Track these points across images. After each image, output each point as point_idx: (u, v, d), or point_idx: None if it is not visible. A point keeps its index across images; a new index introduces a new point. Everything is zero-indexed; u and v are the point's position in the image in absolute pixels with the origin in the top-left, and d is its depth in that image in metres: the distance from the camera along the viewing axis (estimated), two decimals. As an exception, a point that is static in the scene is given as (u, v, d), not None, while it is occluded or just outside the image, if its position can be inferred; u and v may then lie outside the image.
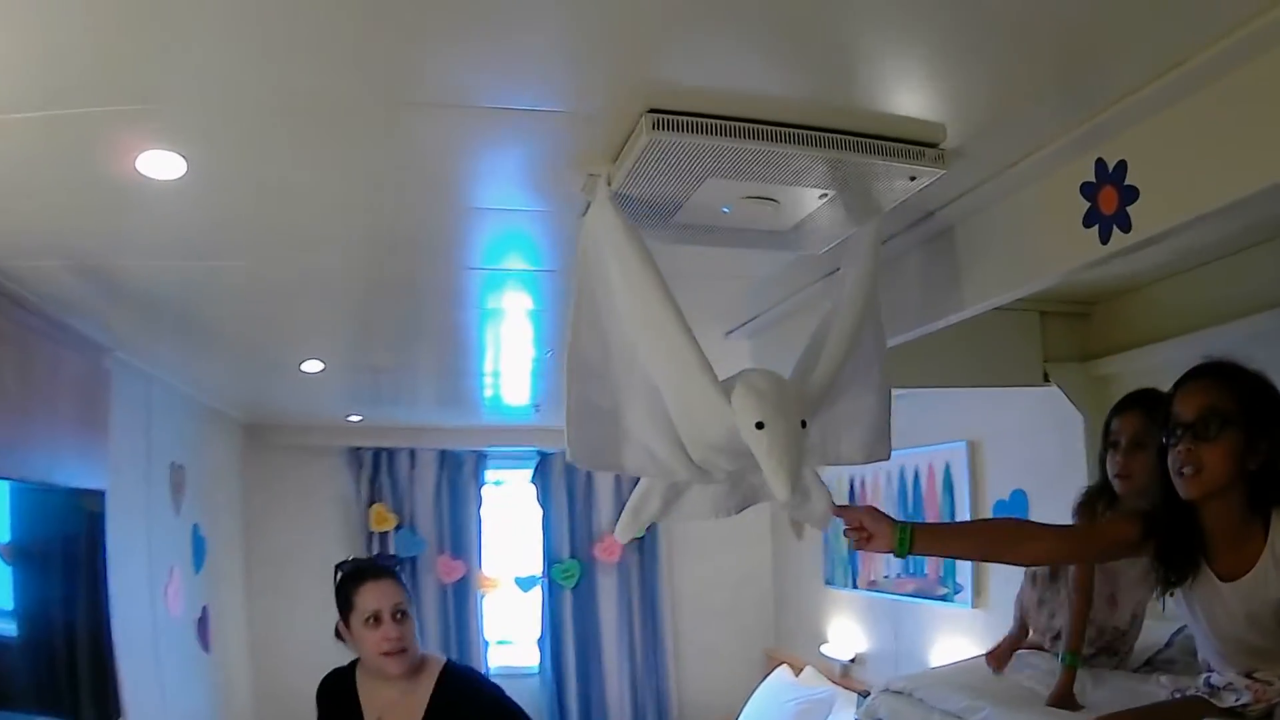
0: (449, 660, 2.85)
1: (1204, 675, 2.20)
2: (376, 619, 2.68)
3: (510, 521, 7.82)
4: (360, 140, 2.21)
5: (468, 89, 1.96)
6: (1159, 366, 3.24)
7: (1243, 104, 1.78)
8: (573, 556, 7.62)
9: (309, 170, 2.37)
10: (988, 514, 4.74)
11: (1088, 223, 2.12)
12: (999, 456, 4.67)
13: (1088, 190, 2.12)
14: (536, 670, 7.57)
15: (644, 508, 2.50)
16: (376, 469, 7.31)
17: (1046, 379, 3.80)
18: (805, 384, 2.28)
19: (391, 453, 7.35)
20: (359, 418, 6.84)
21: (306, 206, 2.64)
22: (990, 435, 4.70)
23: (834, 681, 6.21)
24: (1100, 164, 2.08)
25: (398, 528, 7.30)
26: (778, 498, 2.06)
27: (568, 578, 7.58)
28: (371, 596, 2.69)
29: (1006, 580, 4.54)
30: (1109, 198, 2.06)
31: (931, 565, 5.21)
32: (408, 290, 3.55)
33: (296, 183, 2.45)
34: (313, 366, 4.84)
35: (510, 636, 7.76)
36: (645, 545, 7.67)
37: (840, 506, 2.35)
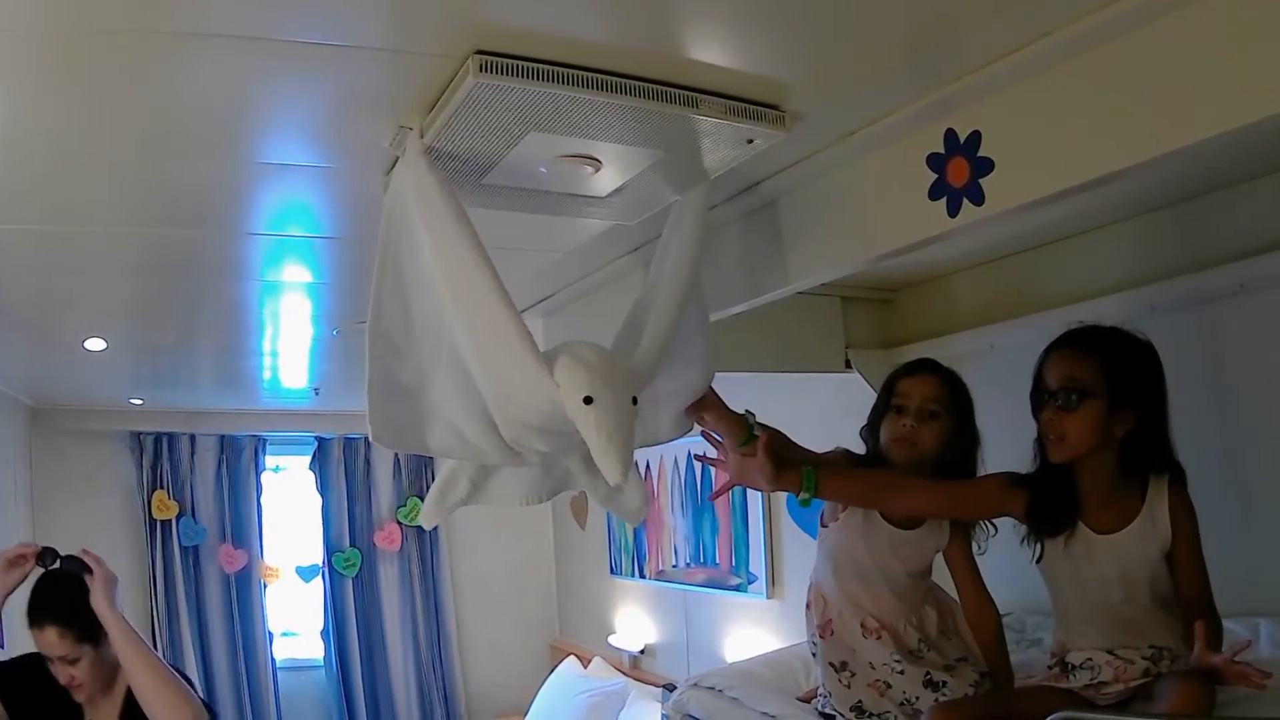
0: None
1: (1056, 658, 2.21)
2: (51, 661, 2.67)
3: (291, 509, 7.54)
4: (136, 80, 1.87)
5: (263, 17, 1.66)
6: (959, 356, 3.25)
7: (1109, 79, 1.69)
8: (353, 545, 7.39)
9: (85, 117, 2.03)
10: (782, 505, 4.68)
11: (934, 195, 1.99)
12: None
13: (935, 162, 1.99)
14: (321, 663, 7.31)
15: (450, 491, 2.29)
16: (157, 454, 6.95)
17: (849, 365, 3.73)
18: (631, 359, 2.09)
19: (172, 438, 6.99)
20: (141, 401, 6.48)
21: (82, 160, 2.28)
22: (787, 422, 4.57)
23: (624, 673, 6.12)
24: (950, 135, 1.96)
25: (179, 516, 6.94)
26: (609, 480, 1.86)
27: (349, 567, 7.35)
28: (42, 642, 2.67)
29: (804, 570, 4.49)
30: (959, 169, 1.93)
31: (723, 554, 5.13)
32: (185, 259, 3.20)
33: (70, 132, 2.10)
34: (96, 345, 4.46)
35: (295, 628, 7.49)
36: (425, 533, 7.48)
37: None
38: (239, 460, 7.20)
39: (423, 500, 7.03)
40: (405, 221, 2.00)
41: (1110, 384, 2.03)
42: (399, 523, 7.43)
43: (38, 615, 2.70)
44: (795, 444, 2.50)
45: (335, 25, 1.69)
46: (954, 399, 2.39)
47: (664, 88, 1.88)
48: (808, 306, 3.67)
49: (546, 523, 7.65)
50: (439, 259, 1.93)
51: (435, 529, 7.43)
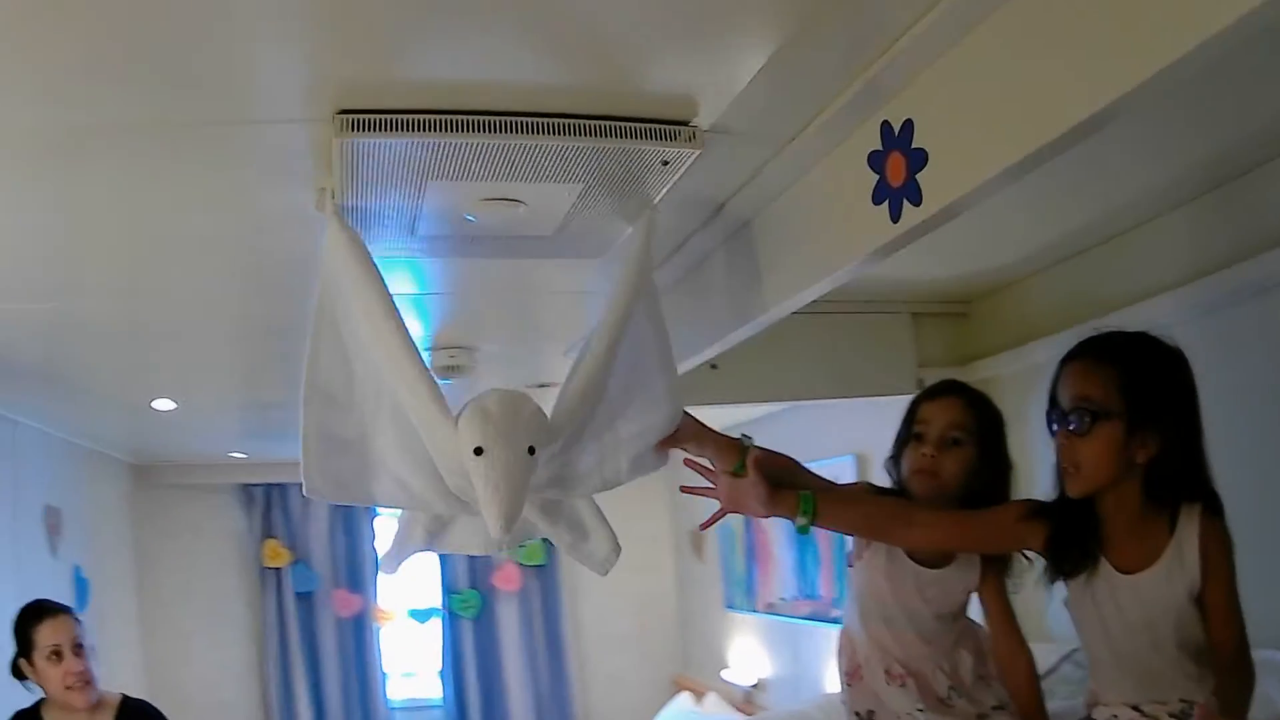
0: (124, 695, 3.09)
1: (1087, 710, 1.98)
2: (58, 654, 2.86)
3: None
4: (203, 164, 2.03)
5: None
6: (1042, 366, 2.97)
7: (1029, 35, 1.45)
8: (472, 586, 7.41)
9: (167, 201, 2.22)
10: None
11: (877, 199, 1.78)
12: (889, 469, 4.36)
13: (875, 161, 1.78)
14: (440, 702, 7.39)
15: (408, 539, 2.29)
16: (269, 505, 7.16)
17: (921, 386, 3.48)
18: (555, 406, 2.01)
19: (283, 488, 7.16)
20: (245, 455, 6.69)
21: (169, 241, 2.49)
22: (880, 446, 4.33)
23: (736, 708, 5.97)
24: (886, 128, 1.75)
25: (292, 563, 7.11)
26: (491, 533, 1.87)
27: (467, 608, 7.37)
28: (50, 632, 2.87)
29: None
30: (896, 166, 1.72)
31: (825, 587, 4.93)
32: (281, 324, 3.29)
33: (156, 217, 2.32)
34: (164, 405, 4.67)
35: (411, 669, 7.57)
36: (546, 571, 7.48)
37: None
38: (352, 506, 7.17)
39: (543, 542, 7.08)
40: (335, 278, 2.00)
41: (1128, 402, 1.75)
42: (517, 563, 7.40)
43: (51, 608, 2.97)
44: (808, 471, 2.27)
45: (232, 105, 1.75)
46: (980, 423, 2.14)
47: (550, 119, 1.77)
48: (874, 325, 3.52)
49: (668, 556, 7.55)
50: (361, 315, 1.95)
51: (554, 568, 7.44)
